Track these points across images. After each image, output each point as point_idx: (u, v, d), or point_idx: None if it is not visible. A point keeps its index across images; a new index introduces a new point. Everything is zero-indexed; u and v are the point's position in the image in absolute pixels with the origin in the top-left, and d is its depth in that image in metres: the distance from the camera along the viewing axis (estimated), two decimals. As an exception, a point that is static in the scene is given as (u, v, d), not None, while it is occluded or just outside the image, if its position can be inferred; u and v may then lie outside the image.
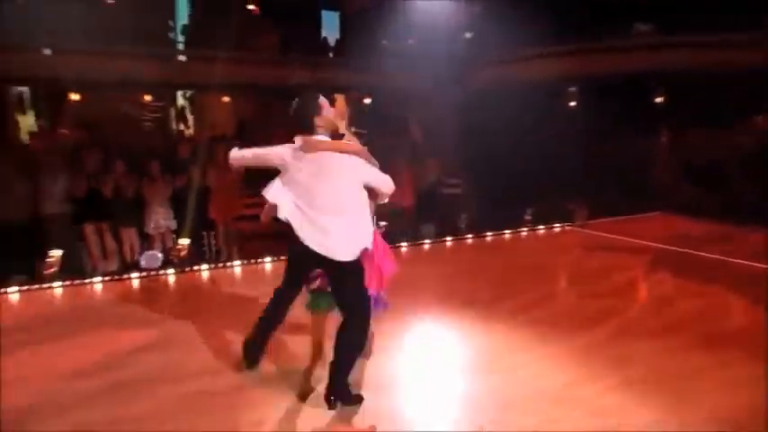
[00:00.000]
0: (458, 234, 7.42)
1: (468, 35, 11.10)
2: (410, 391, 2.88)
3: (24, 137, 8.23)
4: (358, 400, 2.66)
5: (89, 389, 2.91)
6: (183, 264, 5.79)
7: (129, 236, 5.82)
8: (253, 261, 5.89)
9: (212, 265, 5.82)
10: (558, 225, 7.89)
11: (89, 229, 5.63)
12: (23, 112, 8.64)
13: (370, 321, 2.72)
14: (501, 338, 3.59)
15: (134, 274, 5.48)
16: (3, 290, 5.01)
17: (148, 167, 5.94)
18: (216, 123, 10.11)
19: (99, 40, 8.22)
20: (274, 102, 9.57)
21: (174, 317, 4.14)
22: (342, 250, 2.48)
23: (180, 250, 5.89)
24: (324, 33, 11.29)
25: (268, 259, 6.01)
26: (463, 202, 8.05)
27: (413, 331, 3.76)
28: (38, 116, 8.68)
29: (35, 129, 8.41)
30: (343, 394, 2.59)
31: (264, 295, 3.15)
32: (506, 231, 7.65)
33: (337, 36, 11.45)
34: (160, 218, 5.94)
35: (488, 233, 7.51)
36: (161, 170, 6.11)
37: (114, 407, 2.71)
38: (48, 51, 8.24)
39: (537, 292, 4.69)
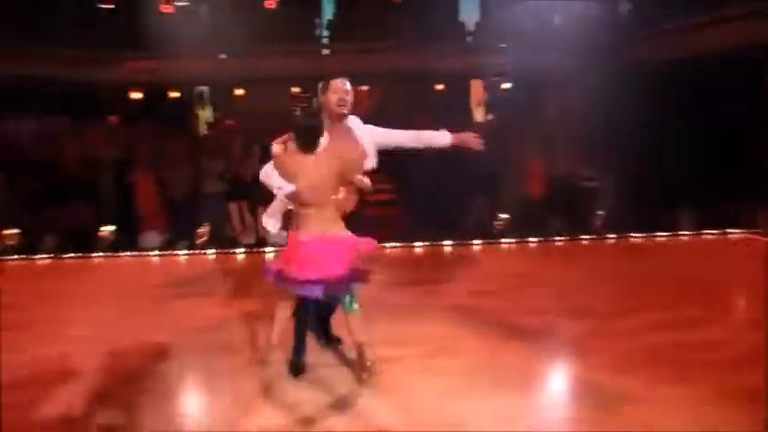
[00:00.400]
0: (593, 232, 6.63)
1: (628, 5, 9.65)
2: (470, 405, 2.60)
3: (202, 128, 9.93)
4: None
5: (195, 344, 3.44)
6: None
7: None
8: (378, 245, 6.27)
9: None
10: (734, 231, 6.47)
11: (232, 206, 6.56)
12: (203, 108, 10.45)
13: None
14: (607, 363, 2.95)
15: (268, 248, 6.25)
16: (170, 252, 6.23)
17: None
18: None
19: (259, 42, 9.39)
20: (412, 89, 9.74)
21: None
22: None
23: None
24: (462, 17, 11.00)
25: (388, 245, 6.26)
26: (603, 196, 7.13)
27: (505, 340, 3.40)
28: (214, 110, 10.38)
29: (211, 120, 10.08)
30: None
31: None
32: (660, 234, 6.56)
33: (477, 19, 11.04)
34: (290, 199, 6.58)
35: (634, 235, 6.55)
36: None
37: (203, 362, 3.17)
38: (223, 56, 9.73)
39: (678, 310, 3.79)
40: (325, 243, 2.54)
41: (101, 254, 6.21)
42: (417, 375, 2.91)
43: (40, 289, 5.16)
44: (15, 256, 6.21)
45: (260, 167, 2.96)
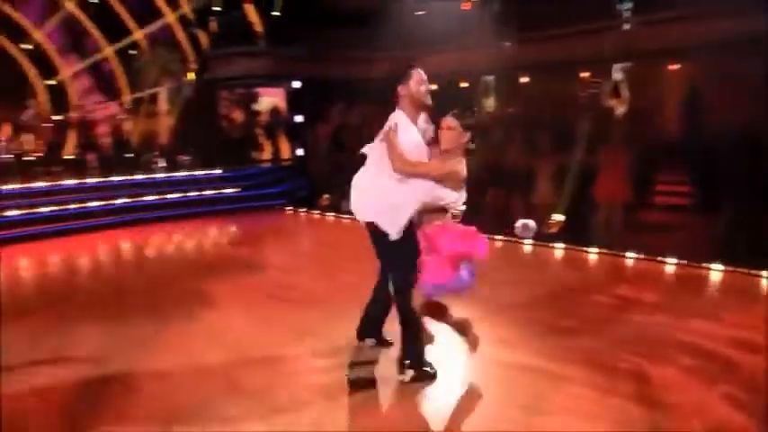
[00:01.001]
0: None
1: None
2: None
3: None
4: (424, 376, 2.73)
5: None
6: (552, 239, 5.94)
7: (517, 204, 6.49)
8: (648, 256, 5.23)
9: (600, 249, 5.60)
10: None
11: (490, 193, 6.72)
12: (487, 96, 10.89)
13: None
14: None
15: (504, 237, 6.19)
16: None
17: (539, 141, 6.30)
18: (659, 94, 9.05)
19: (549, 24, 9.03)
20: (740, 60, 7.46)
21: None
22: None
23: (552, 225, 6.04)
24: None
25: (672, 260, 5.12)
26: None
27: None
28: (496, 99, 10.70)
29: (491, 109, 10.45)
30: (413, 365, 2.72)
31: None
32: None
33: None
34: (543, 191, 6.25)
35: None
36: (556, 145, 6.34)
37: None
38: (507, 44, 9.87)
39: None
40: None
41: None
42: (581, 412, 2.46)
43: (342, 241, 6.81)
44: (330, 214, 8.33)
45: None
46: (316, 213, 8.51)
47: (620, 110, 9.22)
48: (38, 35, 9.69)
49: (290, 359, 3.07)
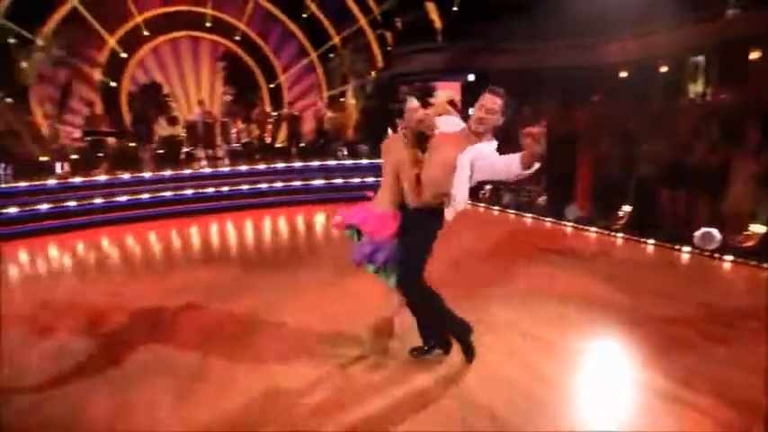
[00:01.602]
0: None
1: None
2: None
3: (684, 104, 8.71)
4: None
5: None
6: (745, 254, 4.84)
7: (703, 209, 5.43)
8: None
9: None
10: None
11: (664, 193, 5.77)
12: (695, 80, 9.06)
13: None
14: None
15: (685, 247, 5.28)
16: (586, 227, 6.42)
17: (747, 134, 5.11)
18: None
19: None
20: None
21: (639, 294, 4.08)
22: None
23: (747, 238, 4.90)
24: None
25: None
26: None
27: None
28: (707, 83, 8.86)
29: (698, 95, 8.70)
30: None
31: None
32: None
33: None
34: (740, 196, 5.08)
35: None
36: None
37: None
38: (731, 12, 8.10)
39: None
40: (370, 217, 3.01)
41: (532, 217, 7.23)
42: None
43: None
44: (488, 206, 8.29)
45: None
46: (478, 206, 8.43)
47: None
48: (266, 48, 12.12)
49: (409, 328, 3.33)
